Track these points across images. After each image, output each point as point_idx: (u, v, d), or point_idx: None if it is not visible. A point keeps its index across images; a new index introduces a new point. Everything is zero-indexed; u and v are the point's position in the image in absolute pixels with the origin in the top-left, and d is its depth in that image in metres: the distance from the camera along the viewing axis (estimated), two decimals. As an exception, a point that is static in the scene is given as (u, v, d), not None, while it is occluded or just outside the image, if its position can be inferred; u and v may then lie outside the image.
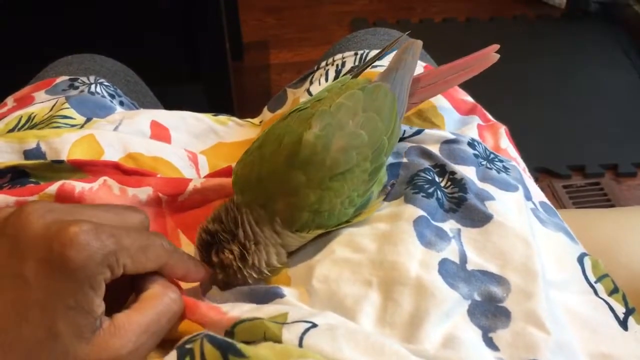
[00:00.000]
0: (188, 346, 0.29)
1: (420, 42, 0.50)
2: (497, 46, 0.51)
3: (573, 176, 1.44)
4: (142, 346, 0.30)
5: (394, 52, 0.63)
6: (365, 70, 0.51)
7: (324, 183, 0.38)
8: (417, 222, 0.40)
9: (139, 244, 0.31)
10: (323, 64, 0.65)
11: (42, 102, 0.59)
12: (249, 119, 0.62)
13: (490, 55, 0.52)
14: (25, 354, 0.27)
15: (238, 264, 0.37)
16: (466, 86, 0.62)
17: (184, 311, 0.33)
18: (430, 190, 0.43)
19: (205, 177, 0.47)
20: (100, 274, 0.28)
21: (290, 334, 0.31)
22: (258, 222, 0.38)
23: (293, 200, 0.38)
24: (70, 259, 0.27)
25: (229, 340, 0.28)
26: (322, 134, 0.39)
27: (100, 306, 0.29)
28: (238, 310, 0.33)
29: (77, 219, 0.29)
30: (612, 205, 1.35)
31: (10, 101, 0.62)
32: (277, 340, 0.31)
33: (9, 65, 1.00)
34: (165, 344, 0.33)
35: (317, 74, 0.63)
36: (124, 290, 0.33)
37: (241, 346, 0.28)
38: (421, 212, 0.41)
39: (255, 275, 0.38)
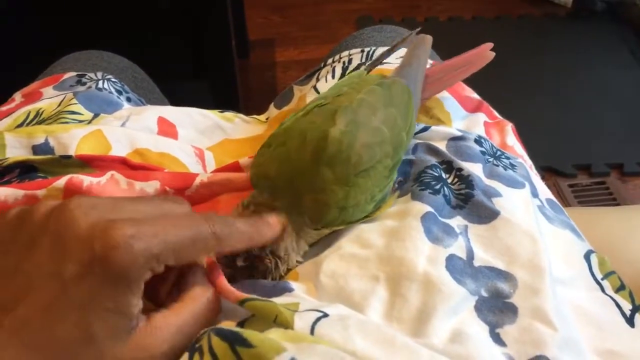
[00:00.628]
0: (197, 345, 0.29)
1: (430, 38, 0.50)
2: (491, 44, 0.53)
3: (579, 175, 1.44)
4: (176, 346, 0.30)
5: (401, 49, 0.63)
6: (376, 67, 0.52)
7: (350, 179, 0.39)
8: (425, 218, 0.40)
9: (183, 239, 0.30)
10: (330, 61, 0.65)
11: (50, 97, 0.59)
12: (255, 116, 0.62)
13: (486, 52, 0.54)
14: (59, 355, 0.27)
15: (271, 270, 0.38)
16: (472, 84, 0.62)
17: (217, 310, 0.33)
18: (437, 187, 0.43)
19: (212, 172, 0.47)
20: (141, 277, 0.28)
21: (302, 322, 0.31)
22: (296, 230, 0.39)
23: (321, 197, 0.38)
24: (113, 263, 0.27)
25: (235, 330, 0.28)
26: (347, 130, 0.39)
27: (137, 306, 0.28)
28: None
29: (120, 217, 0.28)
30: (617, 205, 1.35)
31: (18, 97, 0.63)
32: (289, 326, 0.31)
33: (18, 61, 1.01)
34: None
35: (323, 71, 0.63)
36: (163, 281, 0.33)
37: (247, 335, 0.28)
38: (428, 208, 0.41)
39: (280, 274, 0.39)
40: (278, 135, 0.42)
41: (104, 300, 0.27)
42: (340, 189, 0.39)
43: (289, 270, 0.39)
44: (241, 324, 0.33)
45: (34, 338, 0.27)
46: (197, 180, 0.44)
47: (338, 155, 0.39)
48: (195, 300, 0.31)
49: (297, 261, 0.40)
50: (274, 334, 0.29)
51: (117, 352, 0.27)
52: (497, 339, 0.35)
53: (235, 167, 0.47)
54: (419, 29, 0.57)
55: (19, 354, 0.27)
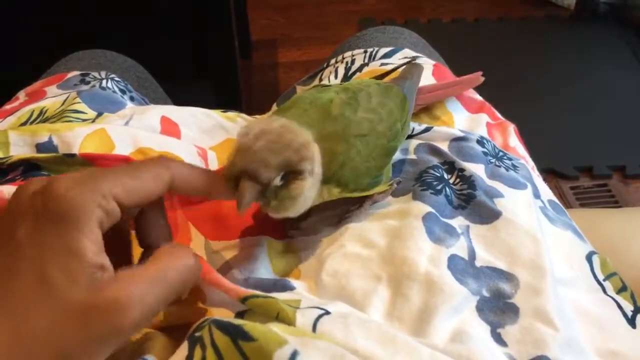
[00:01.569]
0: (197, 334, 0.29)
1: (422, 67, 0.54)
2: (480, 73, 0.57)
3: (580, 177, 1.44)
4: (148, 299, 0.27)
5: (403, 50, 0.63)
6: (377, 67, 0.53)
7: (350, 139, 0.40)
8: (426, 218, 0.40)
9: (128, 172, 0.30)
10: (332, 61, 0.65)
11: (54, 96, 0.59)
12: (257, 116, 0.62)
13: (478, 79, 0.57)
14: (20, 305, 0.26)
15: (302, 195, 0.36)
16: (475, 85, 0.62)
17: (199, 273, 0.31)
18: (439, 187, 0.43)
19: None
20: (86, 213, 0.27)
21: (304, 319, 0.31)
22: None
23: (327, 145, 0.38)
24: (52, 206, 0.27)
25: (236, 323, 0.28)
26: (349, 101, 0.41)
27: (96, 253, 0.27)
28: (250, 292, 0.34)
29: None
30: (619, 207, 1.35)
31: (22, 95, 0.63)
32: (291, 323, 0.31)
33: (21, 60, 1.01)
34: (174, 333, 0.33)
35: (326, 71, 0.64)
36: None
37: (249, 328, 0.28)
38: (429, 209, 0.41)
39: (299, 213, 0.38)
40: (286, 104, 0.43)
41: (52, 243, 0.27)
42: (340, 143, 0.39)
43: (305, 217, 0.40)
44: (241, 314, 0.33)
45: None
46: None
47: (340, 117, 0.40)
48: (166, 254, 0.30)
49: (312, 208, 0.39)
50: (276, 327, 0.30)
51: (78, 297, 0.26)
52: (499, 339, 0.35)
53: None
54: (413, 57, 0.60)
55: None
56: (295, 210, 0.37)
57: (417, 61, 0.62)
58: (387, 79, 0.53)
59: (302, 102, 0.41)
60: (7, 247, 0.27)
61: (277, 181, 0.34)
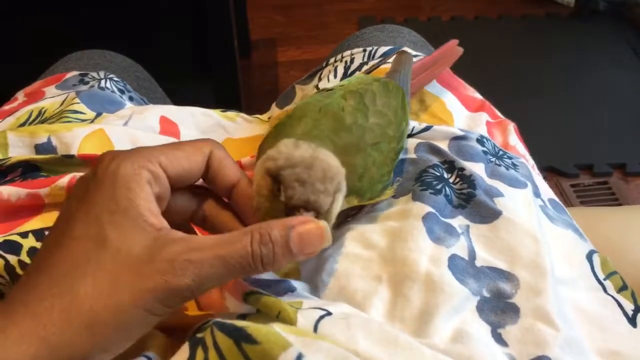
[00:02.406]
0: (199, 335, 0.29)
1: (410, 55, 0.53)
2: (456, 41, 0.56)
3: (581, 175, 1.44)
4: (204, 273, 0.27)
5: (403, 49, 0.63)
6: (379, 67, 0.52)
7: (367, 149, 0.39)
8: (426, 219, 0.40)
9: (170, 145, 0.32)
10: (332, 60, 0.65)
11: (53, 96, 0.59)
12: (257, 115, 0.62)
13: (455, 49, 0.56)
14: (78, 270, 0.27)
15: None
16: (475, 83, 0.62)
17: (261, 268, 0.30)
18: (439, 187, 0.43)
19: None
20: (134, 173, 0.29)
21: (305, 319, 0.31)
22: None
23: (346, 159, 0.37)
24: (100, 173, 0.29)
25: (239, 325, 0.28)
26: (359, 107, 0.41)
27: (149, 209, 0.29)
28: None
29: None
30: (620, 205, 1.35)
31: (21, 96, 0.63)
32: (292, 324, 0.31)
33: (20, 60, 1.01)
34: (174, 334, 0.33)
35: (325, 71, 0.63)
36: None
37: (252, 330, 0.28)
38: (429, 209, 0.41)
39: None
40: (295, 113, 0.41)
41: (105, 205, 0.28)
42: (358, 155, 0.39)
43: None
44: (242, 317, 0.33)
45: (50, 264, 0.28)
46: (199, 181, 0.44)
47: (354, 126, 0.39)
48: (231, 241, 0.29)
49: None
50: (278, 327, 0.29)
51: (135, 251, 0.27)
52: (499, 339, 0.35)
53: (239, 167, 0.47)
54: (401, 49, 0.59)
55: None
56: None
57: (417, 60, 0.62)
58: (376, 72, 0.53)
59: (311, 110, 0.40)
60: (64, 222, 0.29)
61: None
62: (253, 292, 0.33)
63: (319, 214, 0.33)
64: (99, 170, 0.29)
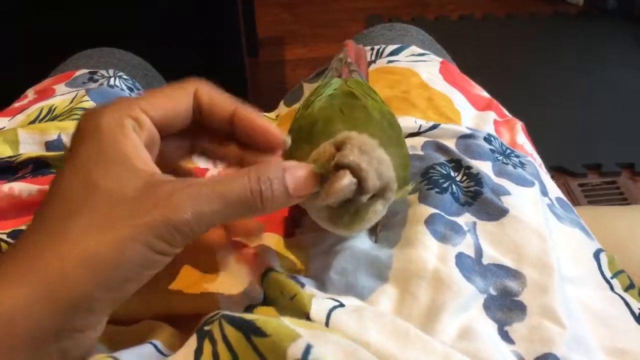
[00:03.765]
0: (206, 328, 0.29)
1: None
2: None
3: (589, 175, 1.43)
4: (203, 208, 0.26)
5: (410, 48, 0.63)
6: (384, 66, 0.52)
7: (401, 139, 0.40)
8: (429, 221, 0.40)
9: (150, 91, 0.31)
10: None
11: (63, 94, 0.60)
12: (264, 113, 0.62)
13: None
14: (68, 211, 0.26)
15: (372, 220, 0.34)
16: (483, 82, 0.62)
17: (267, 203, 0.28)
18: (445, 185, 0.43)
19: (222, 168, 0.47)
20: (117, 121, 0.28)
21: (318, 307, 0.32)
22: None
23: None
24: (83, 126, 0.28)
25: (247, 318, 0.28)
26: (374, 101, 0.40)
27: (137, 155, 0.27)
28: None
29: None
30: (628, 204, 1.34)
31: (31, 93, 0.63)
32: (305, 309, 0.32)
33: (30, 59, 1.02)
34: (184, 328, 0.33)
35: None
36: None
37: (261, 323, 0.28)
38: (433, 210, 0.41)
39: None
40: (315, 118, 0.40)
41: (93, 157, 0.27)
42: (397, 148, 0.38)
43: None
44: (250, 309, 0.33)
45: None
46: (208, 175, 0.45)
47: (383, 120, 0.39)
48: (227, 177, 0.28)
49: None
50: (287, 320, 0.30)
51: (131, 192, 0.26)
52: (506, 337, 0.35)
53: None
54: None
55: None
56: (355, 231, 0.34)
57: (424, 58, 0.62)
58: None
59: (335, 111, 0.38)
60: (53, 183, 0.28)
61: (366, 198, 0.32)
62: (273, 270, 0.33)
63: (360, 186, 0.30)
64: (80, 127, 0.28)
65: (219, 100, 0.32)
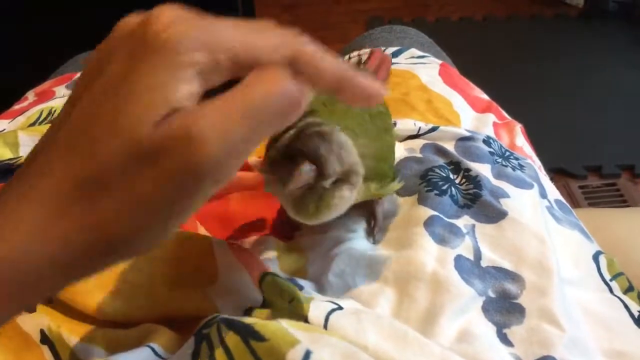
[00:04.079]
0: (205, 331, 0.29)
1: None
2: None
3: (589, 176, 1.43)
4: (231, 132, 0.21)
5: (410, 50, 0.63)
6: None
7: (381, 134, 0.39)
8: (428, 223, 0.41)
9: (251, 27, 0.24)
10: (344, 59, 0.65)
11: (63, 96, 0.60)
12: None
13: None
14: (81, 144, 0.22)
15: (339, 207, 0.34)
16: (483, 84, 0.62)
17: (302, 101, 0.23)
18: (444, 187, 0.43)
19: None
20: (187, 53, 0.22)
21: (317, 310, 0.32)
22: None
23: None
24: (150, 40, 0.22)
25: (246, 322, 0.28)
26: None
27: (185, 98, 0.22)
28: None
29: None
30: (628, 206, 1.34)
31: (31, 95, 0.64)
32: (303, 312, 0.32)
33: (30, 61, 1.02)
34: (182, 330, 0.33)
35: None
36: None
37: (259, 327, 0.28)
38: (432, 212, 0.41)
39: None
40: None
41: (138, 80, 0.21)
42: (378, 140, 0.39)
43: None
44: (248, 312, 0.33)
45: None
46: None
47: (362, 115, 0.39)
48: (252, 83, 0.22)
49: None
50: (286, 323, 0.30)
51: (146, 135, 0.21)
52: (505, 339, 0.35)
53: (245, 167, 0.47)
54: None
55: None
56: (324, 219, 0.35)
57: (424, 61, 0.62)
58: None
59: (316, 102, 0.38)
60: (97, 82, 0.22)
61: (329, 183, 0.32)
62: (270, 274, 0.33)
63: (320, 171, 0.31)
64: (149, 35, 0.22)
65: (323, 74, 0.25)
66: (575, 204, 1.35)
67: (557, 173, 1.42)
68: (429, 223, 0.41)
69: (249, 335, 0.28)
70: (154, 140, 0.21)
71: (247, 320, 0.29)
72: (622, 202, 1.37)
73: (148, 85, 0.21)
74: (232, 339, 0.28)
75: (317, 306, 0.32)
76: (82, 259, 0.21)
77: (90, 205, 0.21)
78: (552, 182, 0.51)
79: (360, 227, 0.42)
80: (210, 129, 0.21)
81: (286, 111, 0.23)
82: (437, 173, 0.44)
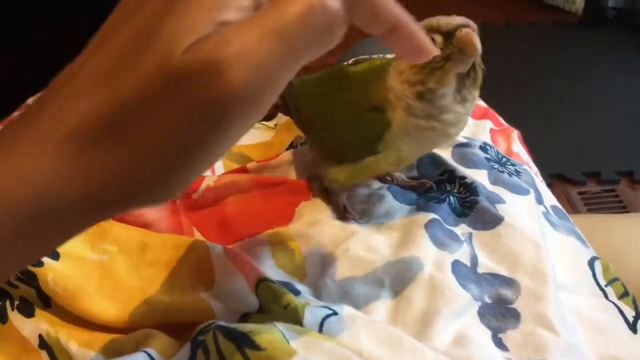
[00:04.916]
0: (201, 338, 0.29)
1: None
2: None
3: (588, 183, 1.43)
4: (257, 55, 0.18)
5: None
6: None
7: None
8: (429, 225, 0.41)
9: None
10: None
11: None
12: (264, 122, 0.63)
13: None
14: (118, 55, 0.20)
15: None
16: (482, 90, 0.62)
17: (337, 16, 0.20)
18: (443, 196, 0.44)
19: (218, 176, 0.48)
20: None
21: (312, 316, 0.32)
22: None
23: None
24: None
25: (242, 330, 0.29)
26: None
27: (239, 8, 0.19)
28: None
29: None
30: (627, 212, 1.34)
31: (32, 103, 0.64)
32: (298, 319, 0.32)
33: (29, 69, 1.03)
34: (178, 334, 0.33)
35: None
36: None
37: (255, 336, 0.28)
38: (433, 216, 0.42)
39: None
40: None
41: None
42: None
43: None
44: (245, 318, 0.33)
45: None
46: (204, 185, 0.45)
47: None
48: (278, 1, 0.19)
49: None
50: (281, 327, 0.30)
51: (174, 61, 0.18)
52: (500, 344, 0.35)
53: (241, 170, 0.48)
54: None
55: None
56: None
57: None
58: None
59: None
60: (135, 12, 0.20)
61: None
62: (265, 280, 0.33)
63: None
64: None
65: (382, 11, 0.22)
66: (574, 210, 1.35)
67: (556, 179, 1.42)
68: (430, 225, 0.41)
69: (245, 343, 0.28)
70: (181, 66, 0.18)
71: (243, 328, 0.29)
72: (621, 208, 1.37)
73: (195, 6, 0.19)
74: (227, 347, 0.28)
75: (312, 312, 0.32)
76: (111, 196, 0.20)
77: (120, 140, 0.19)
78: (551, 188, 0.52)
79: (358, 228, 0.42)
80: (238, 54, 0.18)
81: (326, 31, 0.20)
82: (434, 190, 0.45)
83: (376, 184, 0.46)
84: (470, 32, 0.35)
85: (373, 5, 0.21)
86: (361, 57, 0.63)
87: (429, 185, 0.45)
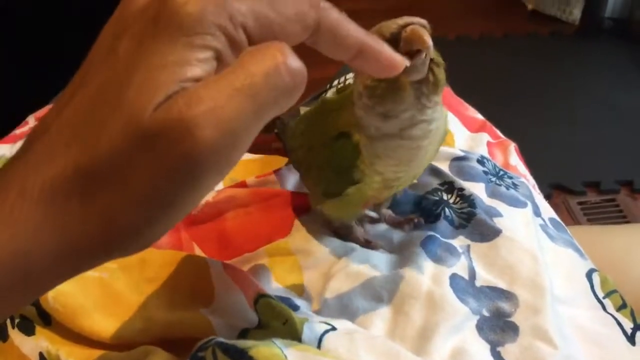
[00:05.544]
0: (200, 354, 0.30)
1: None
2: None
3: (588, 193, 1.43)
4: (225, 113, 0.19)
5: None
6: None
7: None
8: (425, 243, 0.41)
9: (268, 1, 0.22)
10: (335, 82, 0.66)
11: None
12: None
13: None
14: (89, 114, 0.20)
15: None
16: (480, 103, 0.63)
17: (300, 77, 0.21)
18: (438, 211, 0.44)
19: (217, 191, 0.48)
20: (203, 29, 0.20)
21: (310, 332, 0.32)
22: None
23: None
24: (164, 16, 0.20)
25: (241, 347, 0.29)
26: None
27: (196, 77, 0.20)
28: None
29: None
30: (627, 222, 1.34)
31: (31, 120, 0.64)
32: (297, 335, 0.32)
33: (30, 85, 1.03)
34: (175, 350, 0.33)
35: (329, 92, 0.64)
36: None
37: (254, 353, 0.28)
38: (428, 233, 0.42)
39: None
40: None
41: (149, 58, 0.20)
42: None
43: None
44: (244, 334, 0.34)
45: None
46: (203, 200, 0.45)
47: None
48: (244, 60, 0.20)
49: None
50: (280, 343, 0.30)
51: (146, 119, 0.19)
52: (498, 358, 0.36)
53: (240, 184, 0.48)
54: None
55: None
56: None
57: None
58: None
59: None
60: (104, 62, 0.21)
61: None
62: (264, 296, 0.33)
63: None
64: (165, 11, 0.20)
65: (345, 39, 0.24)
66: (574, 220, 1.35)
67: (555, 189, 1.43)
68: (425, 242, 0.41)
69: (243, 359, 0.28)
70: (151, 125, 0.19)
71: (242, 344, 0.29)
72: (621, 217, 1.37)
73: (158, 64, 0.20)
74: None
75: (311, 327, 0.33)
76: (84, 251, 0.20)
77: (92, 196, 0.20)
78: (551, 198, 0.52)
79: (356, 248, 0.42)
80: (208, 112, 0.19)
81: (291, 88, 0.21)
82: (430, 199, 0.45)
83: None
84: (416, 27, 0.31)
85: (335, 34, 0.23)
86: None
87: (416, 220, 0.44)
